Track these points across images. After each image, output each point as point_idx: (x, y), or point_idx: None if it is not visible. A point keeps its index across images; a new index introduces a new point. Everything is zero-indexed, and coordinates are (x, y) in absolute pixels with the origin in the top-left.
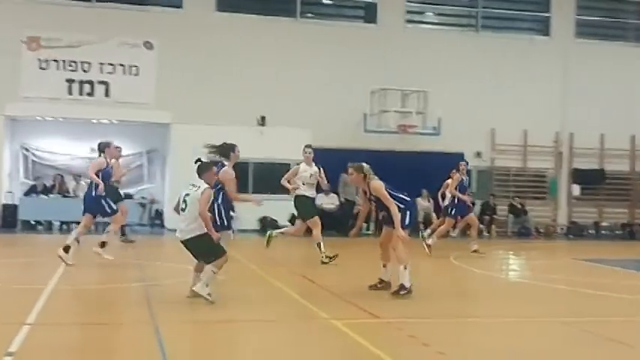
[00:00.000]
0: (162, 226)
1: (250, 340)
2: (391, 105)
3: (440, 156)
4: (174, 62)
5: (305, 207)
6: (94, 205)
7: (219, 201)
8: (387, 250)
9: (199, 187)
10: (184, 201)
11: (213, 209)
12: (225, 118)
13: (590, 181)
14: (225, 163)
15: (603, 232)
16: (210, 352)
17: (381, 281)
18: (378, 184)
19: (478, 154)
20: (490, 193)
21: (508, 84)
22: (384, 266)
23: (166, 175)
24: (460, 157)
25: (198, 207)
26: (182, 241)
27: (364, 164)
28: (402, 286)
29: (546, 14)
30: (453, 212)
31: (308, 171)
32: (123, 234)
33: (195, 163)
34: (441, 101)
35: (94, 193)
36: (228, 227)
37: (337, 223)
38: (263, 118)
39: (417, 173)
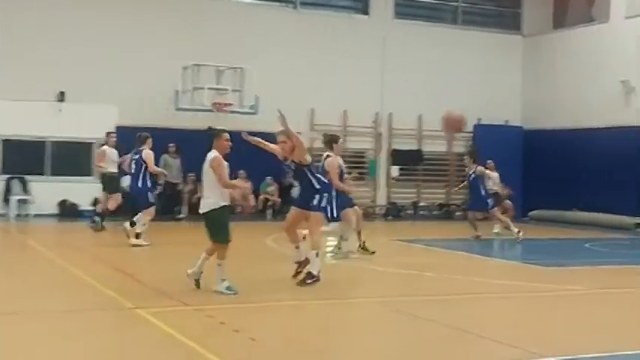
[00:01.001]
0: None
1: (40, 332)
2: (205, 82)
3: (258, 136)
4: None
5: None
6: (143, 197)
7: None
8: (294, 232)
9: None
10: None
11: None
12: (19, 92)
13: (409, 161)
14: (330, 154)
15: (421, 212)
16: None
17: (299, 264)
18: (307, 155)
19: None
20: None
21: (328, 63)
22: (297, 247)
23: None
24: None
25: (213, 177)
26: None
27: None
28: (309, 275)
29: None
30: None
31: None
32: (93, 221)
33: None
34: (259, 79)
35: (149, 184)
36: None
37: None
38: (62, 93)
39: (234, 153)
